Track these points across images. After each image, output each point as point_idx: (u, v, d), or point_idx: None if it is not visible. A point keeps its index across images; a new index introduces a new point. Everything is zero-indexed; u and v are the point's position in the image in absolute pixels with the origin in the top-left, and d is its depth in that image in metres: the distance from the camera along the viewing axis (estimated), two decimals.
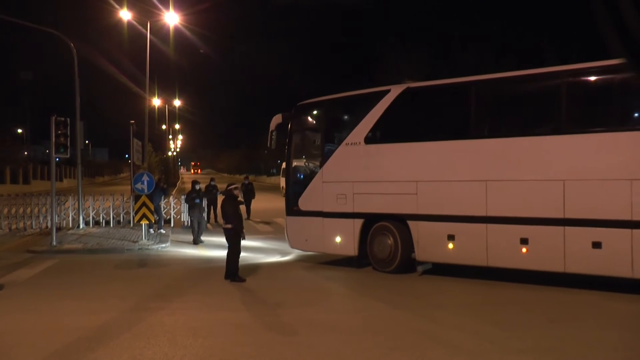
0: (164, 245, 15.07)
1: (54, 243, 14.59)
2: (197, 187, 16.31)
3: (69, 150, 15.27)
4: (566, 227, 8.91)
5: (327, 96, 12.29)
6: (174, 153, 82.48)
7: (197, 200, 16.01)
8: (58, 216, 17.86)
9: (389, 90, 11.03)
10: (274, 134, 12.96)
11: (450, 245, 10.16)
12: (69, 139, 15.03)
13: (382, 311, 8.12)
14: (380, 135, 11.26)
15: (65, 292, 9.61)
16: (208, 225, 20.29)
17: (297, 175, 12.87)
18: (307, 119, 12.86)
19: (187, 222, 18.91)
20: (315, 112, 12.65)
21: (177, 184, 58.29)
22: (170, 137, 75.30)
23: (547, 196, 9.09)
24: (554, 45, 28.64)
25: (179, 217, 19.71)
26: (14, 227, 18.43)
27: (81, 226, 18.50)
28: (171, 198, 20.09)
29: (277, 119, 12.76)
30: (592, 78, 9.51)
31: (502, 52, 31.31)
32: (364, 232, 11.17)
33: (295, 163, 12.90)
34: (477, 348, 6.30)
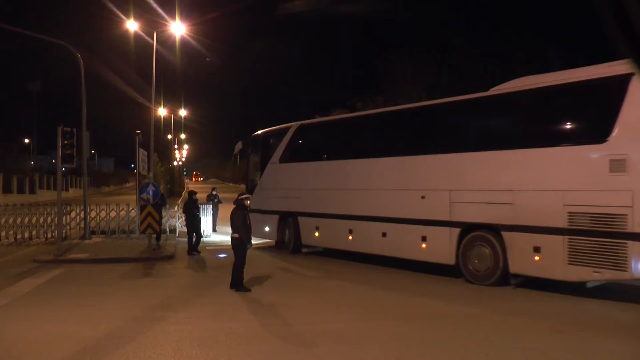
0: (169, 254, 15.08)
1: (60, 253, 14.62)
2: (194, 197, 16.28)
3: (75, 160, 15.33)
4: (369, 222, 12.88)
5: (266, 129, 17.24)
6: (180, 163, 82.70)
7: (198, 212, 15.97)
8: (64, 226, 17.91)
9: (291, 126, 15.80)
10: (237, 156, 18.51)
11: (317, 234, 14.70)
12: (75, 149, 15.08)
13: (382, 322, 8.08)
14: (286, 157, 15.83)
15: (70, 302, 9.63)
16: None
17: (251, 184, 17.50)
18: (256, 145, 17.50)
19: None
20: (259, 140, 17.35)
21: (183, 193, 58.37)
22: (176, 146, 75.59)
23: (363, 200, 13.15)
24: (560, 52, 28.69)
25: (183, 226, 19.68)
26: (19, 237, 18.45)
27: (87, 236, 18.54)
28: (176, 208, 20.08)
29: (238, 145, 18.32)
30: (383, 119, 13.96)
31: (507, 59, 31.34)
32: (280, 224, 15.90)
33: (250, 176, 17.72)
34: (484, 358, 6.26)
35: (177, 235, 19.16)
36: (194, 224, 15.70)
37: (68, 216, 19.16)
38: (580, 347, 6.70)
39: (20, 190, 43.96)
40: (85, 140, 18.44)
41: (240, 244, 10.41)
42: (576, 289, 9.54)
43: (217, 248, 16.68)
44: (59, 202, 15.56)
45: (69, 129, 14.91)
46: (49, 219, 18.84)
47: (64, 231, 17.55)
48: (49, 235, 18.58)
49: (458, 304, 9.24)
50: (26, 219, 18.75)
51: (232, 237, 10.58)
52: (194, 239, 15.60)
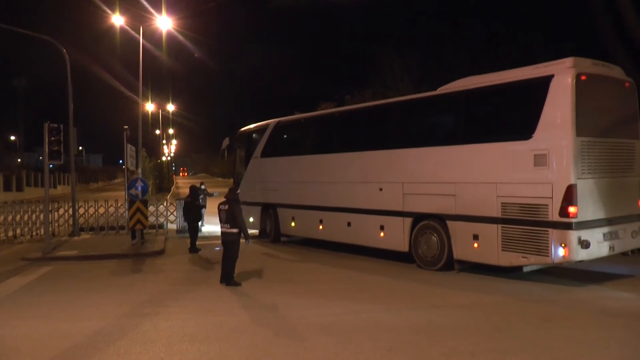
0: (159, 250, 15.02)
1: (48, 250, 14.52)
2: (198, 190, 16.08)
3: (62, 156, 15.16)
4: (336, 213, 13.75)
5: (250, 125, 18.29)
6: (168, 158, 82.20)
7: (203, 206, 15.88)
8: (52, 223, 17.77)
9: (270, 123, 16.75)
10: (225, 151, 19.56)
11: (293, 224, 15.58)
12: (62, 145, 14.91)
13: (374, 313, 8.12)
14: (266, 152, 16.79)
15: (60, 299, 9.58)
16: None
17: (237, 177, 18.52)
18: (242, 141, 18.43)
19: (180, 226, 18.93)
20: (244, 136, 18.28)
21: (172, 188, 58.12)
22: (165, 142, 75.10)
23: (330, 193, 13.99)
24: (547, 44, 28.77)
25: (173, 221, 19.61)
26: (5, 235, 18.23)
27: (75, 233, 18.41)
28: (166, 202, 19.98)
29: (226, 141, 19.35)
30: (346, 116, 14.72)
31: (495, 52, 31.42)
32: (262, 215, 16.89)
33: (237, 170, 18.67)
34: (474, 348, 6.31)
35: (166, 230, 19.06)
36: (195, 220, 15.55)
37: (56, 213, 19.00)
38: (569, 336, 6.77)
39: (7, 188, 43.52)
40: (72, 136, 18.28)
41: (237, 239, 10.36)
42: (561, 278, 9.63)
43: (209, 243, 16.62)
44: (46, 199, 15.43)
45: (56, 125, 14.75)
46: (34, 217, 18.65)
47: (52, 228, 17.41)
48: (37, 233, 18.42)
49: (445, 290, 9.31)
50: (10, 217, 18.53)
51: (226, 232, 10.45)
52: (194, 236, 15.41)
